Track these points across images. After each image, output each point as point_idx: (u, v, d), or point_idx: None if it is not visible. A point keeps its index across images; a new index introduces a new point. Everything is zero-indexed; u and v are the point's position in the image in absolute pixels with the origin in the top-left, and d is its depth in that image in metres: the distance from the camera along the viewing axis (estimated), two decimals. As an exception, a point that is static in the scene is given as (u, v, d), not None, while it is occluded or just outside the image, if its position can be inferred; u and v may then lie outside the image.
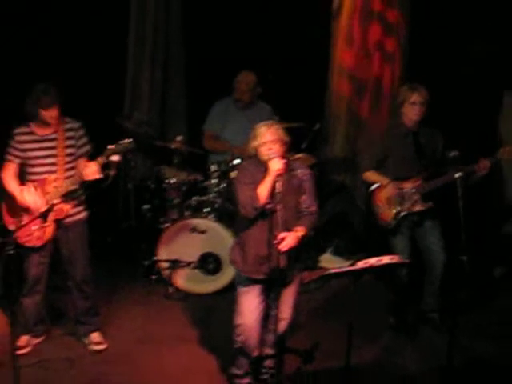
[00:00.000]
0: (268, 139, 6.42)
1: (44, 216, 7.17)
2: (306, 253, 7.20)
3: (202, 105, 9.47)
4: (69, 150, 7.31)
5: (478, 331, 7.92)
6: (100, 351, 7.76)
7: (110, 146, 7.20)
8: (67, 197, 7.30)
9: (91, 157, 7.37)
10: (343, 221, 9.64)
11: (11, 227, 7.15)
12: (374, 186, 7.93)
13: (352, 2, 9.65)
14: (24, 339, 7.63)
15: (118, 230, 9.56)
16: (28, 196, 7.27)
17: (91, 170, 7.12)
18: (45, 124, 7.25)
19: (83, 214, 7.57)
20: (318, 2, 9.81)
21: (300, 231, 6.55)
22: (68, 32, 9.08)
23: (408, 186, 7.77)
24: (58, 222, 7.39)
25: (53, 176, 7.28)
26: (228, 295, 8.05)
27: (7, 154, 7.36)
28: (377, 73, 9.78)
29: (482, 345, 7.73)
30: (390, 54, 9.64)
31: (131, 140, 7.36)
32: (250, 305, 6.86)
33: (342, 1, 9.70)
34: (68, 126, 7.34)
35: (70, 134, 7.34)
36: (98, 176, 7.18)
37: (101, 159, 7.17)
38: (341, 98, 10.05)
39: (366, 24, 9.69)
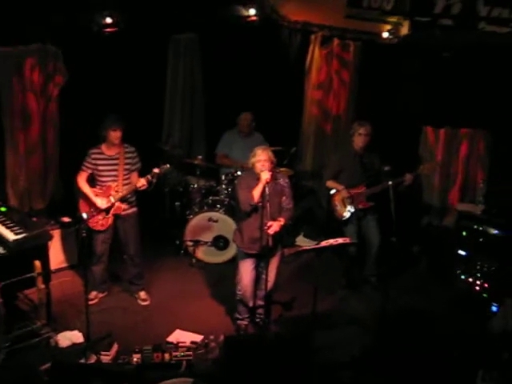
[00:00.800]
0: (261, 158, 6.70)
1: (107, 211, 7.46)
2: (285, 235, 7.37)
3: (215, 134, 9.48)
4: (126, 167, 7.49)
5: (402, 289, 8.01)
6: (145, 304, 7.94)
7: (155, 170, 7.40)
8: (123, 199, 7.49)
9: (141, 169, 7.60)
10: (311, 214, 9.65)
11: (85, 216, 7.12)
12: (333, 191, 8.03)
13: (317, 63, 9.64)
14: (93, 294, 7.81)
15: (158, 220, 9.52)
16: (97, 196, 7.46)
17: (141, 183, 7.36)
18: (112, 145, 7.40)
19: (134, 210, 7.71)
20: (296, 67, 9.94)
21: (282, 221, 6.82)
22: (126, 83, 9.03)
23: (356, 191, 7.88)
24: (117, 215, 7.57)
25: (114, 184, 7.46)
26: (232, 264, 8.05)
27: (83, 165, 7.49)
28: (336, 99, 9.69)
29: (404, 297, 7.85)
30: (345, 81, 9.50)
31: (169, 166, 7.57)
32: (246, 270, 7.12)
33: (310, 65, 9.68)
34: (127, 150, 7.51)
35: (128, 155, 7.51)
36: (145, 187, 7.39)
37: (148, 177, 7.37)
38: (311, 122, 10.00)
39: (327, 64, 9.61)
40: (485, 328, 6.87)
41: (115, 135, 7.35)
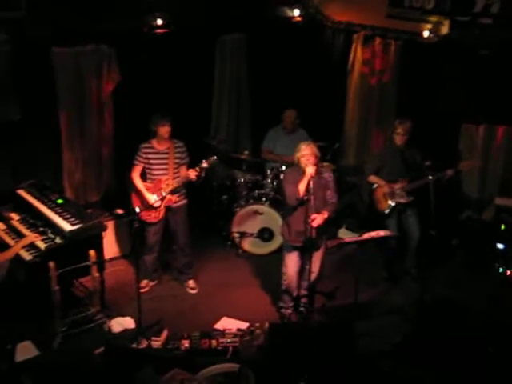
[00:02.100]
0: (306, 153, 6.68)
1: (154, 209, 7.51)
2: (329, 228, 7.35)
3: (261, 130, 9.46)
4: (176, 161, 7.52)
5: (441, 281, 7.92)
6: (194, 292, 7.99)
7: (203, 163, 7.39)
8: (174, 191, 7.50)
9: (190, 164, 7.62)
10: (353, 208, 9.58)
11: (138, 209, 7.34)
12: (375, 186, 7.99)
13: (359, 65, 9.58)
14: (144, 282, 7.87)
15: (207, 213, 9.53)
16: (148, 191, 7.51)
17: (191, 176, 7.35)
18: (162, 140, 7.45)
19: (184, 202, 7.73)
20: (338, 66, 9.91)
21: (325, 214, 6.79)
22: (176, 81, 9.05)
23: (397, 186, 7.81)
24: (168, 207, 7.61)
25: (165, 177, 7.49)
26: (277, 255, 8.09)
27: (135, 160, 7.56)
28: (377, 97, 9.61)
29: (443, 290, 7.76)
30: (386, 79, 9.38)
31: (216, 158, 7.52)
32: (292, 262, 7.11)
33: (353, 63, 9.63)
34: (176, 144, 7.54)
35: (177, 150, 7.54)
36: (194, 179, 7.38)
37: (197, 169, 7.36)
38: (353, 119, 9.96)
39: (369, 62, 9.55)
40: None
41: (164, 130, 7.39)
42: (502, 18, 7.63)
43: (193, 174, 7.36)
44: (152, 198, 7.46)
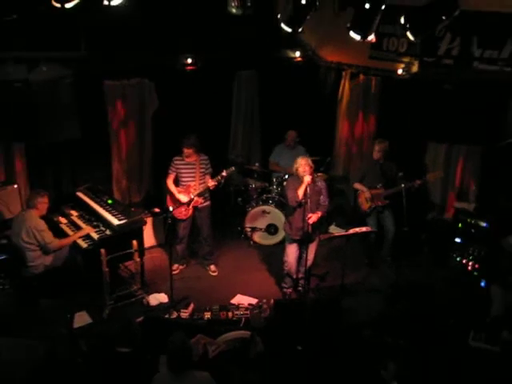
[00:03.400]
0: (301, 163, 6.67)
1: (187, 204, 7.50)
2: (322, 225, 7.32)
3: (269, 146, 9.43)
4: (201, 170, 7.50)
5: (411, 267, 7.86)
6: (214, 275, 8.00)
7: (223, 172, 7.36)
8: (200, 195, 7.49)
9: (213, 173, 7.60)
10: (341, 209, 9.54)
11: (171, 208, 7.31)
12: (358, 191, 7.96)
13: (347, 94, 9.54)
14: (175, 266, 7.84)
15: (225, 211, 9.45)
16: (180, 196, 7.51)
17: (213, 183, 7.37)
18: (189, 156, 7.44)
19: (208, 203, 7.70)
20: (330, 96, 9.86)
21: (319, 214, 6.79)
22: (202, 108, 9.04)
23: (376, 192, 7.77)
24: (195, 207, 7.61)
25: (193, 183, 7.49)
26: (280, 246, 8.04)
27: (169, 170, 7.54)
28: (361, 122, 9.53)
29: (412, 274, 7.72)
30: (368, 108, 9.32)
31: (234, 168, 7.52)
32: (291, 251, 7.12)
33: (342, 95, 9.60)
34: (201, 157, 7.52)
35: (203, 162, 7.52)
36: (216, 186, 7.41)
37: (218, 177, 7.38)
38: (342, 138, 9.88)
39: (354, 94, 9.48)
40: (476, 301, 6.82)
41: (186, 151, 7.36)
42: (460, 59, 7.62)
43: (215, 181, 7.39)
44: (183, 197, 7.46)
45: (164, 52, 8.36)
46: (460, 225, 7.86)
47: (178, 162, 7.52)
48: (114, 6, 5.40)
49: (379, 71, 8.88)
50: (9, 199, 7.50)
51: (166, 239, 8.33)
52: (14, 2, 4.96)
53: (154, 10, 7.67)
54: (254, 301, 7.09)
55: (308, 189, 6.55)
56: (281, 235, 8.55)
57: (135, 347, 5.67)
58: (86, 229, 7.06)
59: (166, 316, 6.74)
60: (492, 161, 7.98)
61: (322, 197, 6.93)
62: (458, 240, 7.83)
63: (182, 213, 7.57)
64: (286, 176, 8.62)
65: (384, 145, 7.76)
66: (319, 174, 8.42)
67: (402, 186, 7.22)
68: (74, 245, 6.90)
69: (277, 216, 8.65)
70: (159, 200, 8.30)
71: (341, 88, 9.65)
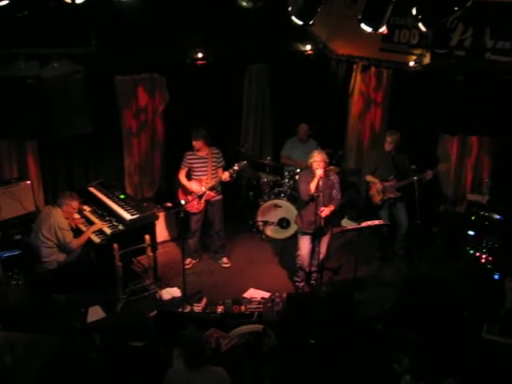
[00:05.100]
0: (317, 159, 6.61)
1: (199, 197, 7.48)
2: (334, 218, 7.28)
3: (280, 140, 9.44)
4: (213, 164, 7.50)
5: (424, 260, 7.86)
6: (227, 268, 8.00)
7: (235, 166, 7.37)
8: (212, 188, 7.49)
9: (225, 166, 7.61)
10: (353, 202, 9.49)
11: (183, 202, 7.33)
12: (370, 184, 7.94)
13: (358, 89, 9.52)
14: (188, 260, 7.86)
15: (237, 205, 9.49)
16: (193, 186, 7.52)
17: (225, 176, 7.37)
18: (199, 149, 7.45)
19: (220, 197, 7.70)
20: (342, 89, 9.81)
21: (331, 207, 6.75)
22: (213, 102, 9.12)
23: (388, 184, 7.74)
24: (207, 201, 7.62)
25: (205, 177, 7.49)
26: (292, 240, 7.99)
27: (181, 164, 7.55)
28: (372, 115, 9.46)
29: (425, 267, 7.72)
30: (379, 100, 9.25)
31: (246, 162, 7.53)
32: (304, 245, 7.09)
33: (353, 87, 9.56)
34: (213, 151, 7.52)
35: (214, 155, 7.51)
36: (228, 179, 7.41)
37: (230, 171, 7.37)
38: (353, 131, 9.84)
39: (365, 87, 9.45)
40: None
41: (195, 144, 7.37)
42: (472, 50, 7.56)
43: (227, 174, 7.38)
44: (196, 187, 7.46)
45: (174, 47, 8.36)
46: (473, 217, 7.80)
47: (190, 157, 7.51)
48: (124, 2, 5.40)
49: (391, 63, 8.82)
50: (22, 195, 7.54)
51: (179, 233, 8.34)
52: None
53: (164, 5, 7.65)
54: (266, 295, 7.10)
55: (320, 182, 6.53)
56: (293, 229, 8.50)
57: (148, 341, 5.68)
58: (99, 224, 7.09)
59: (179, 310, 6.75)
60: (505, 152, 7.93)
61: (334, 191, 6.89)
62: (471, 233, 7.77)
63: (195, 206, 7.56)
64: (298, 170, 8.62)
65: (396, 136, 7.71)
66: (331, 168, 8.38)
67: (415, 178, 7.19)
68: (87, 240, 6.93)
69: (289, 210, 8.62)
70: (171, 195, 8.35)
71: (352, 81, 9.61)
